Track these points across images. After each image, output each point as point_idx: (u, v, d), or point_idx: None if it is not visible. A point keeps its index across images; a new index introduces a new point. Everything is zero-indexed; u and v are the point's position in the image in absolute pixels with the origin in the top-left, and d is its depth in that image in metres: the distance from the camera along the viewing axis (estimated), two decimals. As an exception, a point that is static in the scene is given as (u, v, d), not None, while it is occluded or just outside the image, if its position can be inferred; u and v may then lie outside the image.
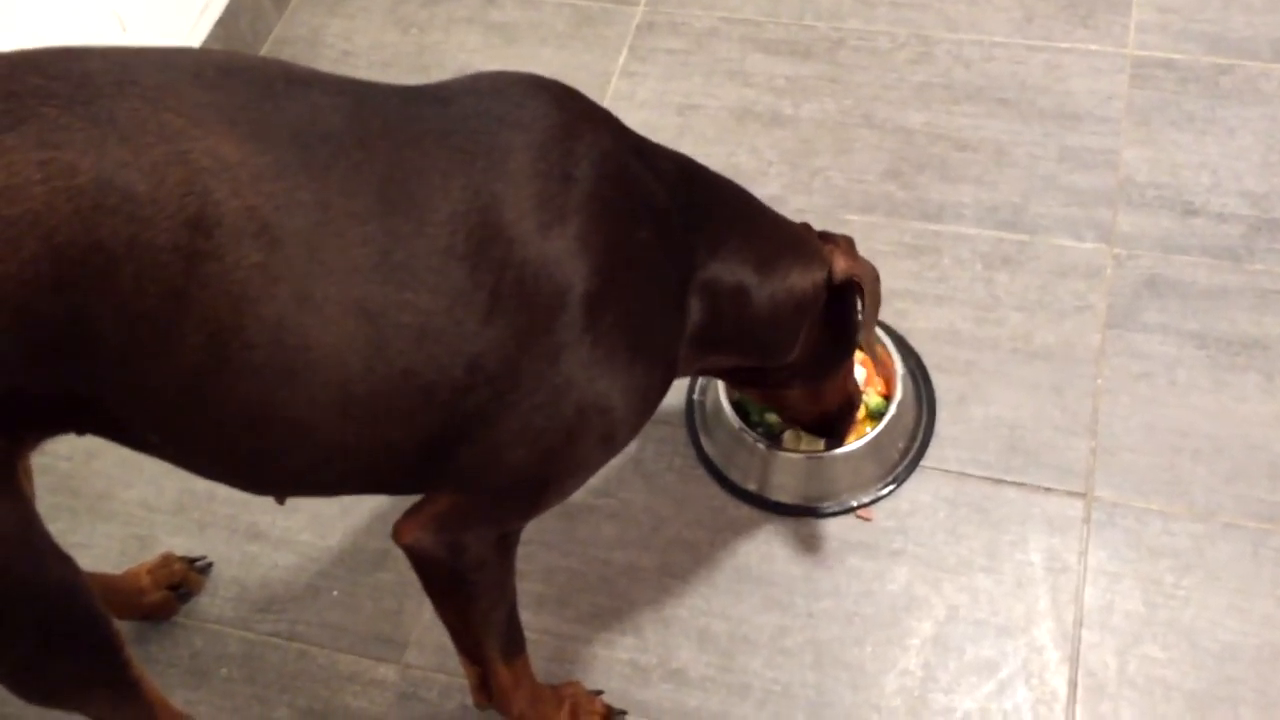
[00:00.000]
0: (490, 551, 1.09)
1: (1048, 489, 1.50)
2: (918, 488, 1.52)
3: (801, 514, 1.51)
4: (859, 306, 1.29)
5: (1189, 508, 1.47)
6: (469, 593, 1.11)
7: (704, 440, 1.58)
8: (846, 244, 1.31)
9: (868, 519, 1.51)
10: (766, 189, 1.81)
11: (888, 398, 1.54)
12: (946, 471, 1.53)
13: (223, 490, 1.15)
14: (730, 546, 1.50)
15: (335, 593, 1.51)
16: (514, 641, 1.23)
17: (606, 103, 1.94)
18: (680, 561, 1.50)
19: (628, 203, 1.04)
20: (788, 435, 1.54)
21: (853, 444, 1.50)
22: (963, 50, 1.93)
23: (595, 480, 1.56)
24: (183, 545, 1.55)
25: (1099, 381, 1.57)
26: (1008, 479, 1.51)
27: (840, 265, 1.26)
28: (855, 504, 1.51)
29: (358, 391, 0.94)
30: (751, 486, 1.54)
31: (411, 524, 1.06)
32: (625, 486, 1.57)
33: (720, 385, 1.54)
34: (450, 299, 0.95)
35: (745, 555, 1.49)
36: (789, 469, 1.51)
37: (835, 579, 1.47)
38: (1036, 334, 1.62)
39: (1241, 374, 1.56)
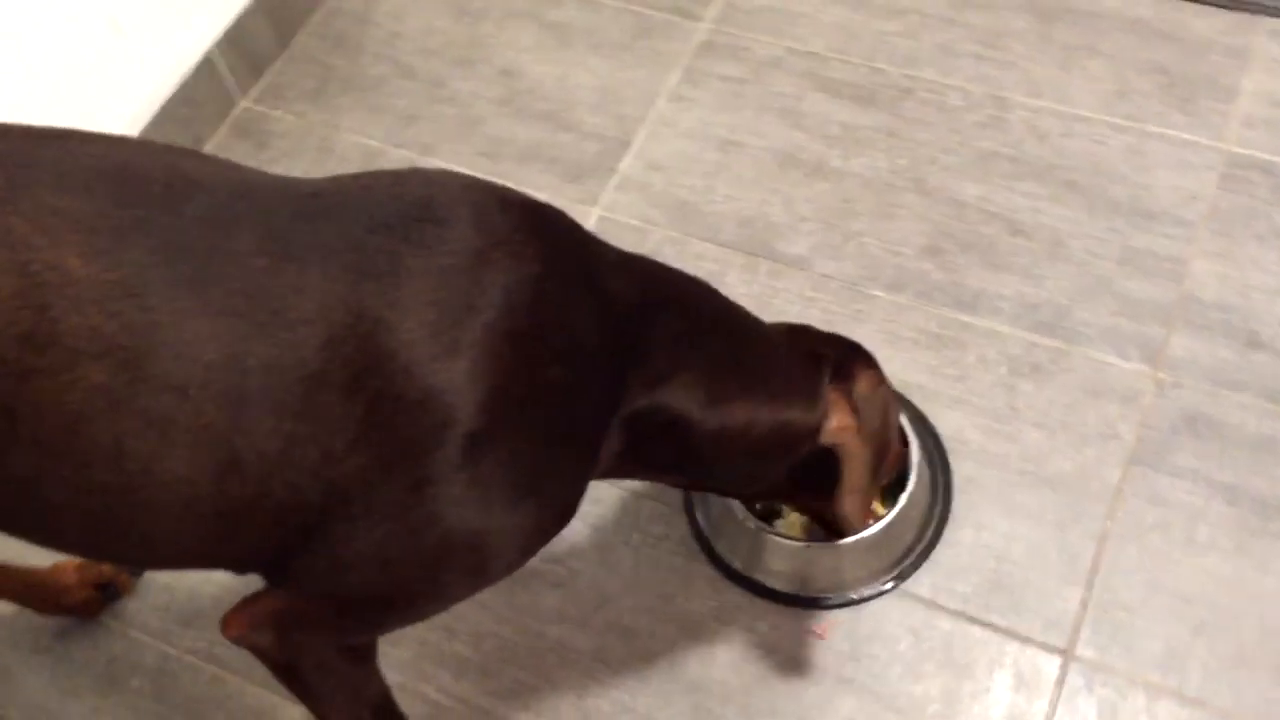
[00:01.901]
0: (334, 659, 1.02)
1: (1026, 638, 1.36)
2: (883, 611, 1.39)
3: (791, 602, 1.40)
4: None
5: (1178, 688, 1.31)
6: (313, 694, 1.05)
7: (698, 512, 1.48)
8: (866, 381, 1.17)
9: (821, 637, 1.39)
10: (793, 247, 1.67)
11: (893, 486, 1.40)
12: (917, 598, 1.39)
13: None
14: (670, 641, 1.40)
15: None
16: None
17: (645, 127, 1.83)
18: (615, 648, 1.40)
19: (536, 338, 0.94)
20: (785, 520, 1.43)
21: (881, 523, 1.38)
22: (1040, 120, 1.75)
23: (549, 545, 1.48)
24: (124, 540, 1.51)
25: (1108, 524, 1.42)
26: (984, 619, 1.37)
27: (833, 423, 1.14)
28: (856, 596, 1.40)
29: (203, 510, 0.89)
30: (737, 565, 1.44)
31: (241, 617, 1.00)
32: (577, 556, 1.47)
33: None
34: (314, 426, 0.87)
35: (684, 654, 1.39)
36: (778, 553, 1.40)
37: (774, 698, 1.35)
38: (1051, 458, 1.47)
39: (1271, 542, 1.39)
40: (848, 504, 1.16)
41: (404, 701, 1.38)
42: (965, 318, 1.59)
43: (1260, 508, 1.41)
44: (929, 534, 1.43)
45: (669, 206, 1.75)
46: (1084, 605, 1.37)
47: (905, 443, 1.40)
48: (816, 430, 1.13)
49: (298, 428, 0.86)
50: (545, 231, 0.98)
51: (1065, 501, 1.44)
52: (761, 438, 1.11)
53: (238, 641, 1.02)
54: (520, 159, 1.82)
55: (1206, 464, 1.44)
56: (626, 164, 1.80)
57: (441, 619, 1.44)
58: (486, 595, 1.44)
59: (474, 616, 1.44)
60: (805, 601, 1.40)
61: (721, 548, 1.45)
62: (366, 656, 1.09)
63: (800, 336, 1.20)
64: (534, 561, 1.46)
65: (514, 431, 0.93)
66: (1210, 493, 1.42)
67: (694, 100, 1.85)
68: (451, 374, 0.89)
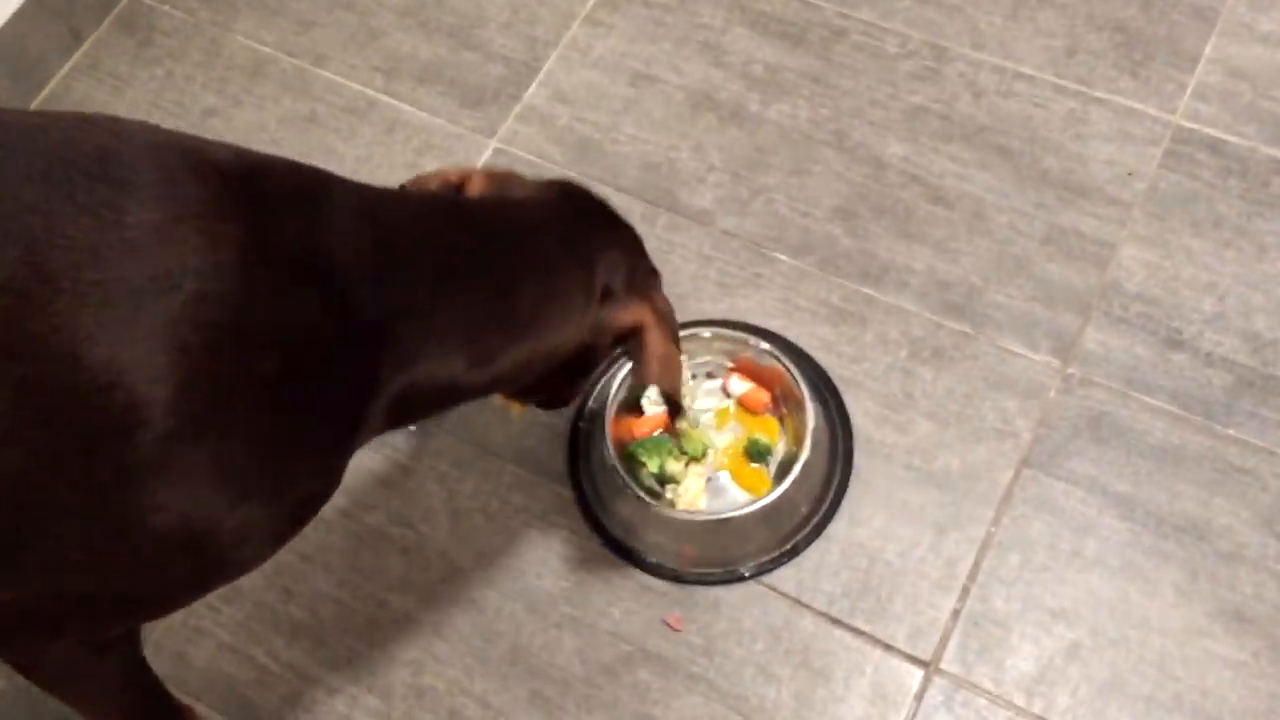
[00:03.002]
0: (75, 656, 0.95)
1: (889, 646, 1.27)
2: (742, 605, 1.30)
3: (670, 578, 1.33)
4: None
5: (1043, 713, 1.23)
6: (62, 693, 0.97)
7: (584, 480, 1.39)
8: (658, 289, 1.16)
9: (675, 628, 1.30)
10: (697, 199, 1.55)
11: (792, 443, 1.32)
12: (782, 594, 1.31)
13: None
14: (517, 621, 1.31)
15: None
16: None
17: (557, 52, 1.69)
18: (458, 623, 1.32)
19: (237, 329, 0.82)
20: (671, 490, 1.34)
21: (744, 506, 1.30)
22: (978, 76, 1.61)
23: (398, 504, 1.39)
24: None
25: (992, 529, 1.32)
26: (847, 621, 1.29)
27: (652, 368, 1.10)
28: (746, 573, 1.31)
29: None
30: (618, 533, 1.35)
31: None
32: (429, 520, 1.38)
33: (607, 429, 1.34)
34: None
35: (529, 636, 1.31)
36: (661, 526, 1.32)
37: (617, 690, 1.28)
38: (941, 453, 1.37)
39: (1161, 563, 1.29)
40: (657, 370, 1.15)
41: (231, 665, 1.32)
42: (870, 291, 1.47)
43: (1155, 524, 1.31)
44: (824, 509, 1.34)
45: (570, 144, 1.62)
46: (955, 616, 1.28)
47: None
48: (583, 339, 1.11)
49: None
50: (252, 203, 0.85)
51: (950, 501, 1.34)
52: (533, 368, 1.10)
53: None
54: (418, 78, 1.68)
55: (1104, 471, 1.34)
56: (531, 93, 1.66)
57: (280, 580, 1.36)
58: (329, 556, 1.37)
59: (314, 578, 1.36)
60: (683, 579, 1.32)
61: (604, 519, 1.36)
62: (118, 649, 1.00)
63: (561, 223, 1.13)
64: (383, 522, 1.39)
65: (218, 431, 0.82)
66: (1104, 503, 1.33)
67: (611, 26, 1.70)
68: (133, 369, 0.77)
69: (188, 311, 0.78)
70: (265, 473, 0.87)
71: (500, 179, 1.16)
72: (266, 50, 1.74)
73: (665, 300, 1.19)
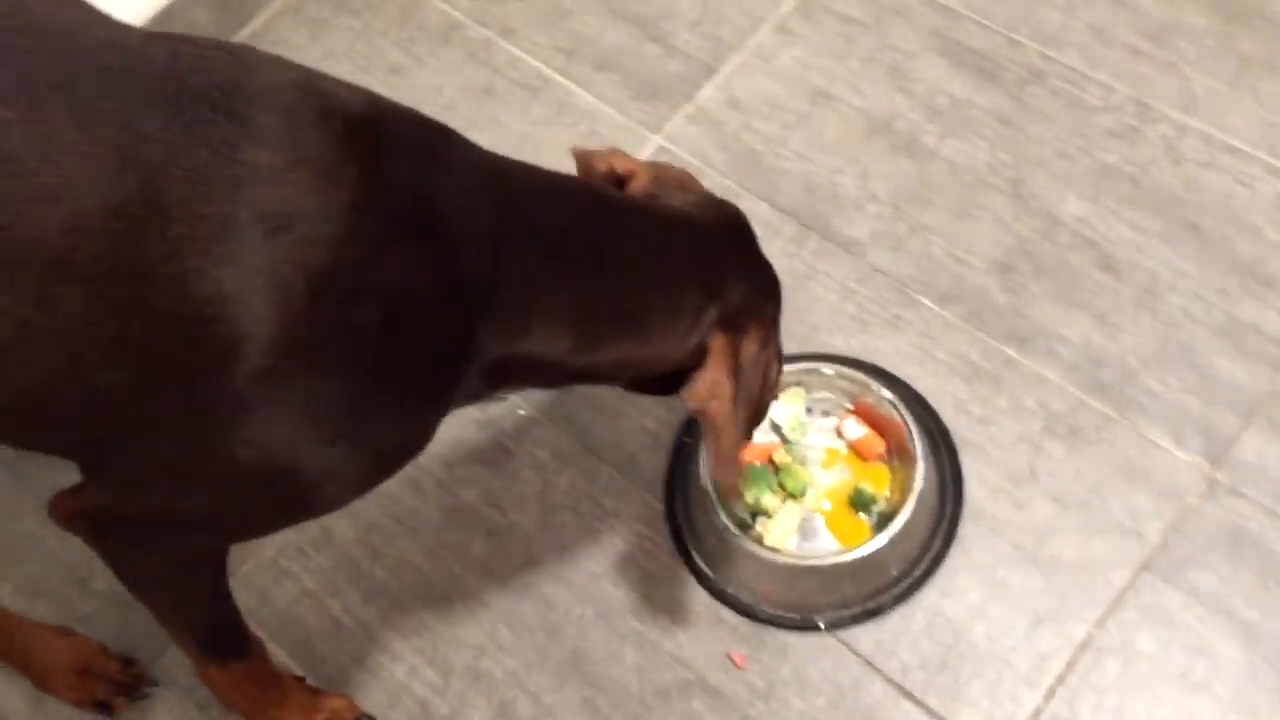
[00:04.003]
0: (156, 563, 0.99)
1: (958, 731, 1.21)
2: (812, 656, 1.25)
3: (744, 614, 1.28)
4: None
5: (1110, 838, 1.14)
6: (139, 593, 1.03)
7: (678, 496, 1.37)
8: (755, 341, 1.10)
9: (739, 665, 1.26)
10: (852, 228, 1.49)
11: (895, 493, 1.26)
12: (855, 652, 1.25)
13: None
14: (584, 625, 1.30)
15: None
16: (223, 646, 1.12)
17: (738, 56, 1.65)
18: (527, 616, 1.31)
19: (340, 275, 0.82)
20: (761, 524, 1.30)
21: (832, 555, 1.25)
22: (1182, 142, 1.49)
23: (494, 485, 1.39)
24: None
25: (1095, 631, 1.23)
26: (919, 696, 1.22)
27: (697, 388, 1.06)
28: (822, 624, 1.27)
29: None
30: (700, 557, 1.32)
31: (62, 505, 0.98)
32: (520, 508, 1.38)
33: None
34: (53, 320, 0.76)
35: (593, 643, 1.29)
36: (744, 559, 1.28)
37: (667, 715, 1.24)
38: (1055, 539, 1.28)
39: (1278, 706, 1.18)
40: (719, 471, 1.11)
41: (309, 612, 1.35)
42: (1013, 353, 1.38)
43: (1279, 660, 1.19)
44: (917, 573, 1.28)
45: (735, 152, 1.58)
46: (1035, 716, 1.20)
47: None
48: (684, 360, 1.08)
49: (33, 316, 0.76)
50: (373, 152, 0.85)
51: (1056, 591, 1.25)
52: (629, 367, 1.09)
53: (59, 525, 0.99)
54: (597, 64, 1.67)
55: (1233, 592, 1.23)
56: (705, 94, 1.63)
57: (370, 538, 1.38)
58: (420, 523, 1.38)
59: (402, 542, 1.37)
60: (757, 616, 1.28)
61: (689, 539, 1.33)
62: (199, 567, 1.03)
63: (701, 243, 1.09)
64: (476, 500, 1.40)
65: (312, 374, 0.84)
66: (1226, 627, 1.21)
67: (800, 36, 1.65)
68: (236, 304, 0.78)
69: (294, 254, 0.80)
70: (354, 420, 0.88)
71: (668, 180, 1.14)
72: (458, 15, 1.76)
73: (763, 351, 1.12)
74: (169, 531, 0.97)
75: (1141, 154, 1.49)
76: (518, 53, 1.71)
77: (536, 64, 1.69)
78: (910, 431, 1.28)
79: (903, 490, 1.28)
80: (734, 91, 1.62)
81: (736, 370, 1.06)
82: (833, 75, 1.61)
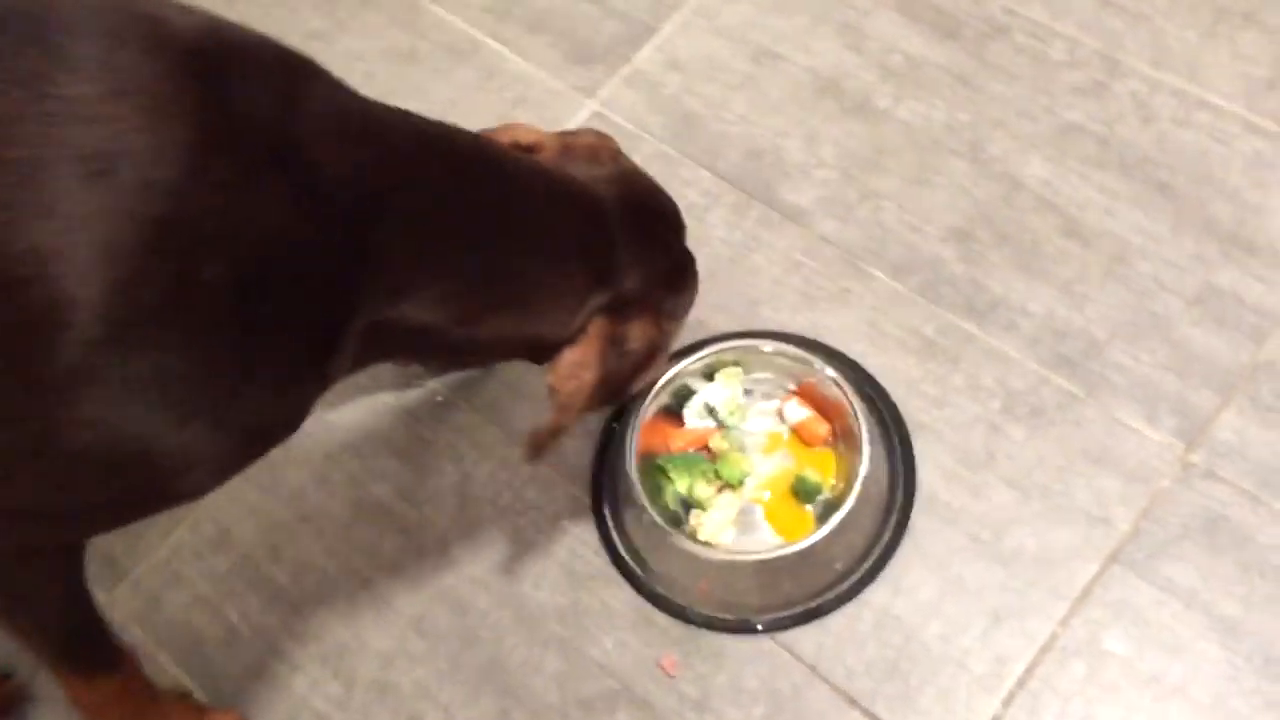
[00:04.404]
0: (1, 564, 0.88)
1: (907, 743, 1.09)
2: (749, 661, 1.13)
3: (676, 615, 1.17)
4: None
5: None
6: None
7: (605, 488, 1.25)
8: (641, 330, 1.06)
9: (669, 673, 1.15)
10: (798, 195, 1.38)
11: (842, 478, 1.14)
12: (796, 657, 1.13)
13: None
14: (501, 630, 1.18)
15: None
16: (85, 657, 1.01)
17: (680, 15, 1.53)
18: (440, 620, 1.20)
19: (181, 226, 0.71)
20: (695, 517, 1.19)
21: (771, 549, 1.13)
22: (1153, 98, 1.38)
23: (409, 478, 1.28)
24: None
25: (1059, 629, 1.11)
26: (865, 704, 1.11)
27: (561, 366, 1.01)
28: (760, 626, 1.15)
29: None
30: (627, 554, 1.20)
31: None
32: (435, 502, 1.26)
33: (631, 442, 1.19)
34: None
35: (511, 650, 1.17)
36: (675, 556, 1.16)
37: (591, 729, 1.14)
38: (1015, 529, 1.16)
39: (1262, 711, 1.06)
40: (532, 443, 1.06)
41: (203, 619, 1.24)
42: (971, 327, 1.27)
43: (1263, 661, 1.08)
44: (863, 568, 1.16)
45: (674, 116, 1.46)
46: (993, 723, 1.09)
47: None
48: (564, 343, 1.02)
49: None
50: (217, 83, 0.74)
51: (1015, 587, 1.14)
52: (508, 345, 1.03)
53: None
54: (529, 26, 1.56)
55: (1211, 586, 1.11)
56: (644, 55, 1.52)
57: (272, 538, 1.27)
58: (325, 522, 1.27)
59: (306, 542, 1.26)
60: (690, 619, 1.16)
61: (617, 535, 1.22)
62: (48, 565, 0.92)
63: (599, 223, 1.02)
64: (388, 496, 1.28)
65: (156, 342, 0.73)
66: (1204, 624, 1.10)
67: (746, -7, 1.54)
68: (57, 262, 0.67)
69: (124, 201, 0.69)
70: (211, 394, 0.78)
71: (577, 151, 1.06)
72: (383, -24, 1.65)
73: (643, 343, 1.07)
74: (6, 523, 0.85)
75: (1108, 111, 1.37)
76: (444, 14, 1.59)
77: (463, 26, 1.57)
78: (854, 411, 1.17)
79: (849, 478, 1.16)
80: (674, 53, 1.51)
81: (605, 357, 1.00)
82: (780, 34, 1.50)
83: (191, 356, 0.75)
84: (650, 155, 1.43)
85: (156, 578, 1.26)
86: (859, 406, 1.17)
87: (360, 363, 0.92)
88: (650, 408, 1.21)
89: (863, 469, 1.14)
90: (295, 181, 0.78)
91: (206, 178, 0.72)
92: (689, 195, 1.39)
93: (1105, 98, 1.39)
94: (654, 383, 1.19)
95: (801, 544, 1.12)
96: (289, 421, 0.87)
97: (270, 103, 0.77)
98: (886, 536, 1.17)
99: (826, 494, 1.19)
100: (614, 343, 1.01)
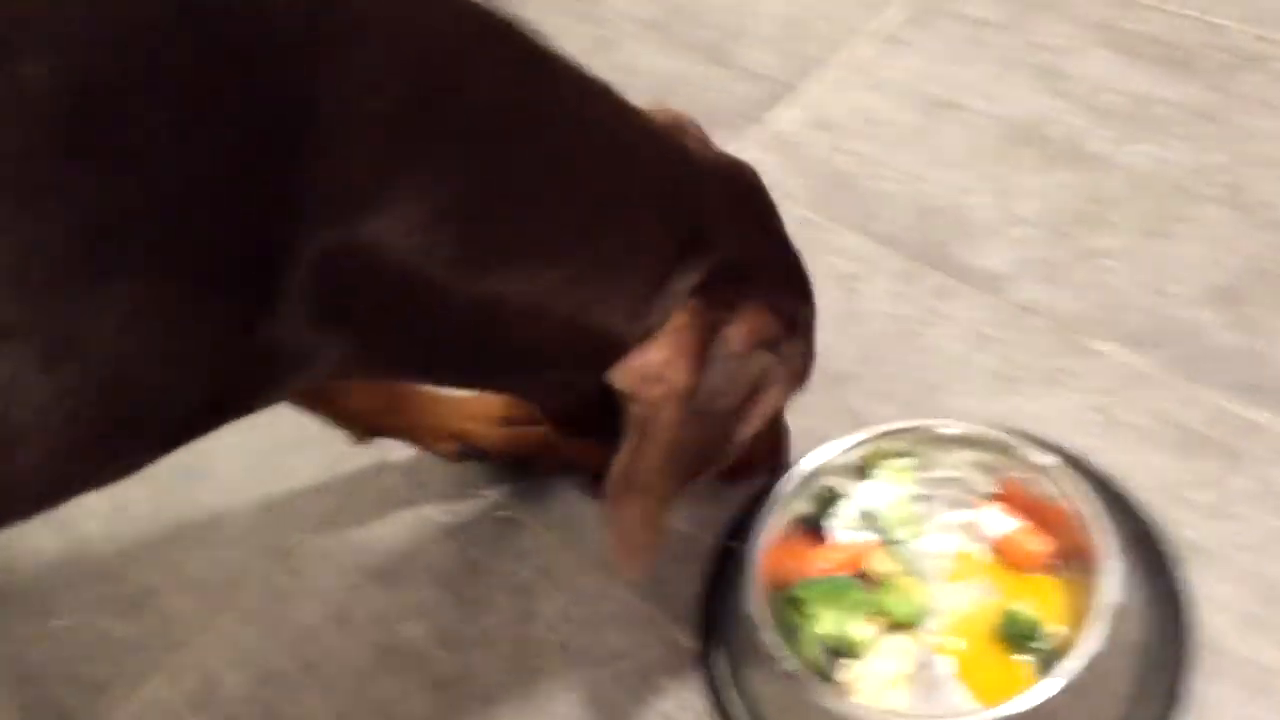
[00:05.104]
0: None
1: None
2: None
3: None
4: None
5: None
6: None
7: (719, 630, 0.88)
8: (745, 329, 0.69)
9: None
10: (987, 258, 1.03)
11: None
12: None
13: None
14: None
15: None
16: None
17: (827, 72, 1.25)
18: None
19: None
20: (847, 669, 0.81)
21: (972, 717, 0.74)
22: None
23: (451, 615, 0.93)
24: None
25: None
26: None
27: (634, 363, 0.66)
28: None
29: None
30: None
31: None
32: (485, 646, 0.91)
33: (756, 566, 0.82)
34: None
35: None
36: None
37: None
38: (1364, 701, 0.74)
39: None
40: (617, 500, 0.68)
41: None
42: (1252, 414, 0.88)
43: None
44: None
45: (821, 177, 1.16)
46: None
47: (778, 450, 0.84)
48: (632, 344, 0.66)
49: None
50: None
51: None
52: (547, 330, 0.65)
53: None
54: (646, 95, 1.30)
55: None
56: (782, 115, 1.23)
57: (266, 692, 0.92)
58: (336, 671, 0.93)
59: (309, 699, 0.91)
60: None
61: (735, 695, 0.84)
62: None
63: (694, 184, 0.70)
64: (422, 638, 0.93)
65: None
66: None
67: (913, 45, 1.25)
68: None
69: None
70: (43, 339, 0.48)
71: (688, 127, 0.80)
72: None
73: (754, 349, 0.70)
74: None
75: None
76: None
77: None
78: (1091, 521, 0.78)
79: (1084, 616, 0.76)
80: (822, 110, 1.22)
81: (702, 359, 0.65)
82: (956, 83, 1.20)
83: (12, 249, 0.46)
84: (790, 223, 1.12)
85: (103, 741, 0.93)
86: (1097, 511, 0.79)
87: (325, 356, 0.60)
88: (782, 517, 0.85)
89: (1110, 595, 0.74)
90: (217, 17, 0.49)
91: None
92: (838, 264, 1.06)
93: None
94: (782, 453, 0.84)
95: (1018, 705, 0.72)
96: (181, 393, 0.54)
97: None
98: (1155, 703, 0.75)
99: (1048, 639, 0.79)
100: (711, 335, 0.66)
